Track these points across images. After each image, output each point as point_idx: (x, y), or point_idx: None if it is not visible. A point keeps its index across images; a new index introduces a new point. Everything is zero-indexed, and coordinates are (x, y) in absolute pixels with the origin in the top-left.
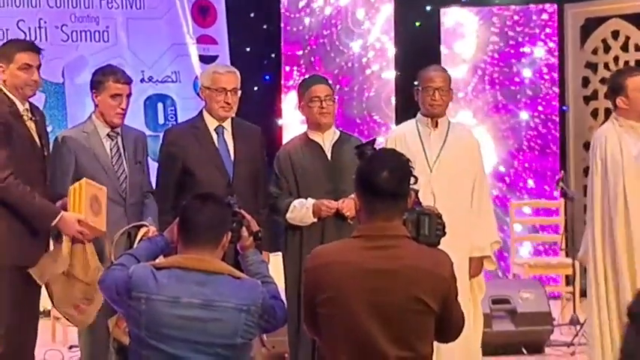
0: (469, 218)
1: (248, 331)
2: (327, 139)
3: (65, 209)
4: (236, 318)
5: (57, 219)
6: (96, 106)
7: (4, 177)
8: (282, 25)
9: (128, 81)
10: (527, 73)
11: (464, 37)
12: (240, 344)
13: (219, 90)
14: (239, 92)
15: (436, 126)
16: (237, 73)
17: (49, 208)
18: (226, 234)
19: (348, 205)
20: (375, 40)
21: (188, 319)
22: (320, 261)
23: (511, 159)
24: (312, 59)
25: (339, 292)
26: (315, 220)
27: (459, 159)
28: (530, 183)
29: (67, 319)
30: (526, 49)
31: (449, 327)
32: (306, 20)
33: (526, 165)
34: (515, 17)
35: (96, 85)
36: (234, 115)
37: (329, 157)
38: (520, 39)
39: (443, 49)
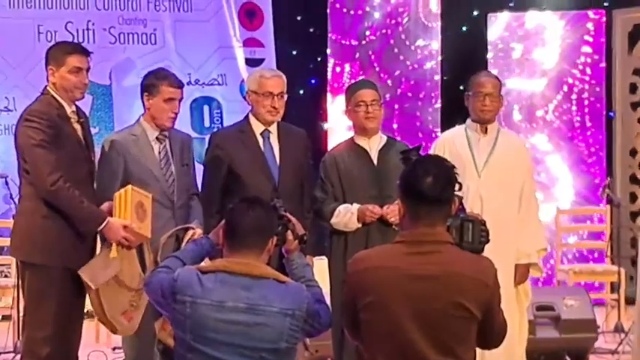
0: (516, 224)
1: (293, 335)
2: (373, 145)
3: (111, 214)
4: (281, 322)
5: (104, 224)
6: (147, 109)
7: (54, 181)
8: (332, 6)
9: (180, 85)
10: None
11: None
12: (285, 348)
13: (266, 94)
14: (285, 96)
15: (485, 132)
16: (284, 77)
17: (97, 213)
18: (272, 238)
19: (393, 211)
20: None
21: (233, 323)
22: (362, 266)
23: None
24: (370, 54)
25: (382, 297)
26: (360, 225)
27: (507, 165)
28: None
29: (112, 329)
30: None
31: (491, 334)
32: (367, 6)
33: None
34: None
35: (149, 88)
36: (280, 119)
37: (375, 162)
38: None
39: (519, 54)
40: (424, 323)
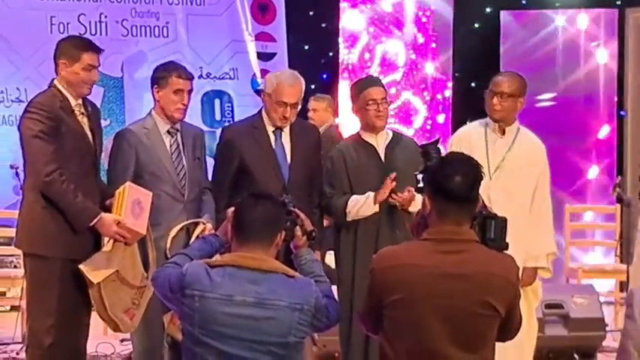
0: (525, 228)
1: (301, 329)
2: (380, 141)
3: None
4: (289, 317)
5: (95, 220)
6: (157, 101)
7: (49, 172)
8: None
9: (190, 77)
10: None
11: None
12: (293, 343)
13: (279, 103)
14: (299, 105)
15: (503, 133)
16: (302, 84)
17: (89, 209)
18: (280, 233)
19: (401, 196)
20: None
21: (241, 317)
22: (389, 263)
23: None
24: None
25: (409, 295)
26: (377, 209)
27: (520, 170)
28: None
29: (114, 327)
30: None
31: (509, 329)
32: None
33: None
34: None
35: (158, 80)
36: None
37: (382, 158)
38: None
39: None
40: (450, 321)
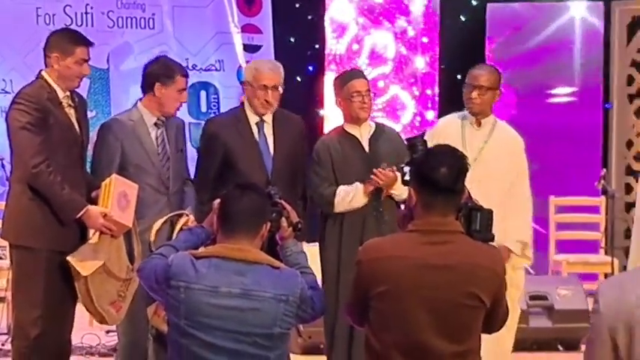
0: (498, 220)
1: (286, 320)
2: (364, 132)
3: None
4: (274, 308)
5: (82, 212)
6: (156, 97)
7: (36, 163)
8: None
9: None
10: None
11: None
12: (279, 334)
13: (260, 87)
14: (281, 89)
15: (479, 125)
16: (281, 68)
17: (75, 201)
18: (265, 224)
19: (392, 176)
20: None
21: (227, 309)
22: (375, 255)
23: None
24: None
25: (395, 287)
26: (366, 200)
27: (497, 162)
28: None
29: (100, 320)
30: None
31: (495, 320)
32: None
33: None
34: None
35: (162, 77)
36: (273, 111)
37: (366, 149)
38: None
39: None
40: (436, 313)
